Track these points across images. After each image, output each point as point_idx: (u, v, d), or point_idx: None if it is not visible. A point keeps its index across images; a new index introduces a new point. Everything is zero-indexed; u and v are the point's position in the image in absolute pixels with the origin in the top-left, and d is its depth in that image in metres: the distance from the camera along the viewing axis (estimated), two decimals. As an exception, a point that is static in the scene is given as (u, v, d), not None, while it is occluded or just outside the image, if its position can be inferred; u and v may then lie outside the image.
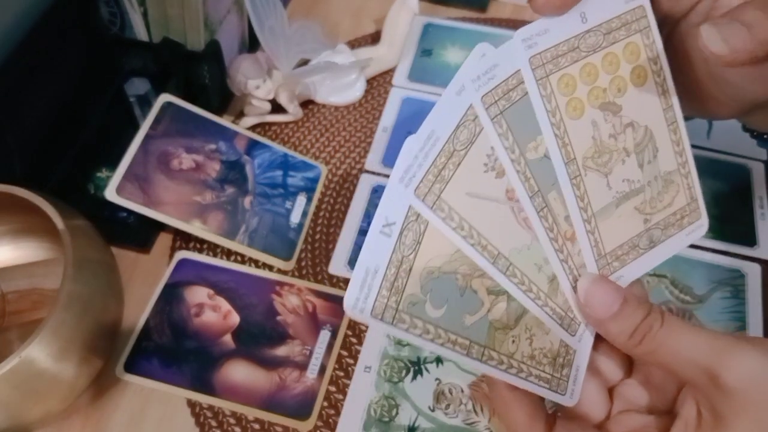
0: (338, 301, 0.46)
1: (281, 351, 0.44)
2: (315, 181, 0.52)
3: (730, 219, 0.50)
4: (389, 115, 0.56)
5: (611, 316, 0.28)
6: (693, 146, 0.53)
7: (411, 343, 0.26)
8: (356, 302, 0.24)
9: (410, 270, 0.25)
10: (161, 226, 0.48)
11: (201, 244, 0.49)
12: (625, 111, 0.29)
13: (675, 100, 0.31)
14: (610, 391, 0.32)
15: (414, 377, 0.42)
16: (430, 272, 0.25)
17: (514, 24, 0.63)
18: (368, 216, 0.50)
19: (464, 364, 0.31)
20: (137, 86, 0.55)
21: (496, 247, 0.27)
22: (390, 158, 0.53)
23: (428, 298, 0.25)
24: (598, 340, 0.31)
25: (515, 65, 0.26)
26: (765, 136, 0.42)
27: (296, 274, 0.48)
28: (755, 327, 0.44)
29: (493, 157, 0.26)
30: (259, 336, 0.44)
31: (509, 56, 0.26)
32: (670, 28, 0.33)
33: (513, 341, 0.28)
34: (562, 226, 0.28)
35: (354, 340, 0.44)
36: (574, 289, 0.29)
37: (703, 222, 0.32)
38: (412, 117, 0.56)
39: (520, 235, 0.27)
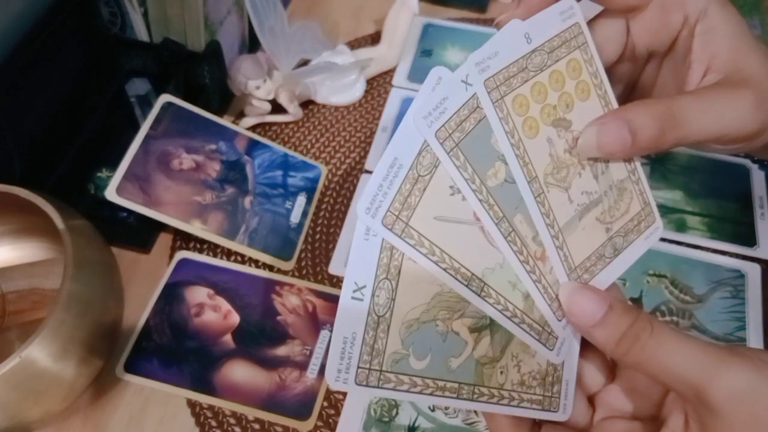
0: (338, 301, 0.46)
1: (281, 351, 0.44)
2: (315, 181, 0.52)
3: (730, 219, 0.50)
4: (389, 115, 0.56)
5: (596, 323, 0.28)
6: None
7: (398, 399, 0.26)
8: (338, 374, 0.23)
9: (388, 328, 0.25)
10: (161, 226, 0.48)
11: (201, 244, 0.49)
12: (575, 125, 0.29)
13: None
14: (591, 399, 0.32)
15: (414, 377, 0.42)
16: (410, 326, 0.25)
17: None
18: (368, 216, 0.50)
19: (455, 407, 0.31)
20: (137, 86, 0.55)
21: (468, 269, 0.26)
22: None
23: (411, 351, 0.25)
24: (581, 347, 0.31)
25: (467, 92, 0.26)
26: (766, 162, 0.42)
27: (296, 274, 0.48)
28: (755, 327, 0.44)
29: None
30: (259, 336, 0.44)
31: (459, 85, 0.26)
32: (658, 62, 0.34)
33: (501, 372, 0.28)
34: (531, 247, 0.28)
35: (354, 340, 0.44)
36: (550, 308, 0.29)
37: (658, 225, 0.33)
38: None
39: (492, 254, 0.27)
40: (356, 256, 0.24)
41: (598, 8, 0.31)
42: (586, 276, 0.30)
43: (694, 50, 0.32)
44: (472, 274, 0.26)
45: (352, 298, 0.24)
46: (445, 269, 0.26)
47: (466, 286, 0.26)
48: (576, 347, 0.31)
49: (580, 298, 0.28)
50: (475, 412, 0.41)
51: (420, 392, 0.25)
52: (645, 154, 0.30)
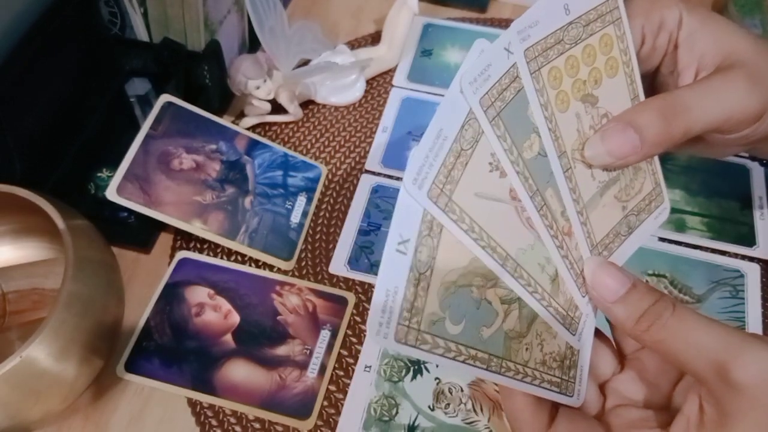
0: (338, 300, 0.46)
1: (281, 350, 0.44)
2: (315, 181, 0.52)
3: (730, 219, 0.50)
4: (389, 115, 0.56)
5: (618, 299, 0.28)
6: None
7: (432, 362, 0.25)
8: (379, 327, 0.23)
9: (428, 287, 0.24)
10: (162, 226, 0.48)
11: (201, 244, 0.49)
12: (601, 102, 0.30)
13: (641, 90, 0.32)
14: (602, 388, 0.33)
15: (414, 377, 0.42)
16: (447, 288, 0.25)
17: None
18: (368, 216, 0.50)
19: (483, 378, 0.31)
20: (137, 86, 0.55)
21: (504, 249, 0.26)
22: (390, 158, 0.53)
23: (447, 314, 0.25)
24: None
25: (509, 60, 0.26)
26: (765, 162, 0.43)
27: (296, 273, 0.48)
28: (755, 327, 0.44)
29: (497, 157, 0.26)
30: (259, 336, 0.44)
31: (501, 52, 0.26)
32: (651, 79, 0.35)
33: (527, 349, 0.28)
34: (559, 222, 0.28)
35: (354, 339, 0.44)
36: (576, 283, 0.29)
37: (666, 205, 0.34)
38: (412, 117, 0.55)
39: (525, 235, 0.27)
40: (401, 209, 0.24)
41: None
42: (605, 253, 0.30)
43: (680, 59, 0.33)
44: (507, 254, 0.27)
45: (396, 250, 0.24)
46: (483, 247, 0.26)
47: (502, 265, 0.26)
48: (591, 335, 0.31)
49: (603, 274, 0.29)
50: (476, 411, 0.41)
51: (453, 358, 0.25)
52: (660, 151, 0.30)
